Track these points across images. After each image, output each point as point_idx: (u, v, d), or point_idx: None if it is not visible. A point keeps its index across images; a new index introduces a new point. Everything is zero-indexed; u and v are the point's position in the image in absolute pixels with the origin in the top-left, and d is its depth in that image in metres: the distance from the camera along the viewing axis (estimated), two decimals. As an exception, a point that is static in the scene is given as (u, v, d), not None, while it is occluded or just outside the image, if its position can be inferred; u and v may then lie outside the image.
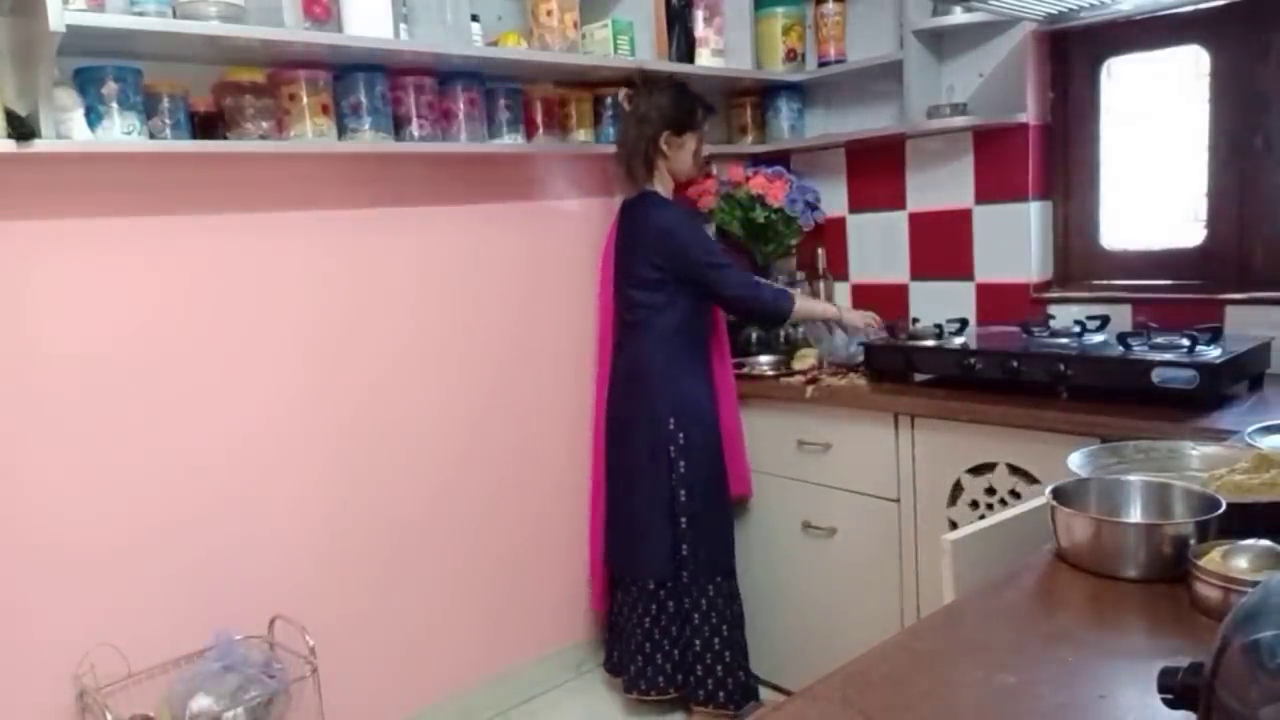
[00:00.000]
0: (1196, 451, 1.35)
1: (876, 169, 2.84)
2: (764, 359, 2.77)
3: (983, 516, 1.88)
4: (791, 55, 2.84)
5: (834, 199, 2.96)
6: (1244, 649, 0.61)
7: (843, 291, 2.97)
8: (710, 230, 3.04)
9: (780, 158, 3.02)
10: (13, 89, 1.70)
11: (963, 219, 2.66)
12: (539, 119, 2.47)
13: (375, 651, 2.35)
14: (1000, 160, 2.55)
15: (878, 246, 2.88)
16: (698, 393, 2.43)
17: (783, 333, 2.90)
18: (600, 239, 2.67)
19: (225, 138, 1.96)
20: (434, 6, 2.16)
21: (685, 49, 2.68)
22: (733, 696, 2.42)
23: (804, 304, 2.48)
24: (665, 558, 2.39)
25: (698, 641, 2.40)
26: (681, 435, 2.38)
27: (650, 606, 2.42)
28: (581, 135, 2.55)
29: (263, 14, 1.90)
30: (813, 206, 2.88)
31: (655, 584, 2.41)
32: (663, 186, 2.43)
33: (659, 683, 2.44)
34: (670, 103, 2.37)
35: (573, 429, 2.72)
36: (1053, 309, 2.47)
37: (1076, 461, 1.34)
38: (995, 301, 2.61)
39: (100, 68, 1.76)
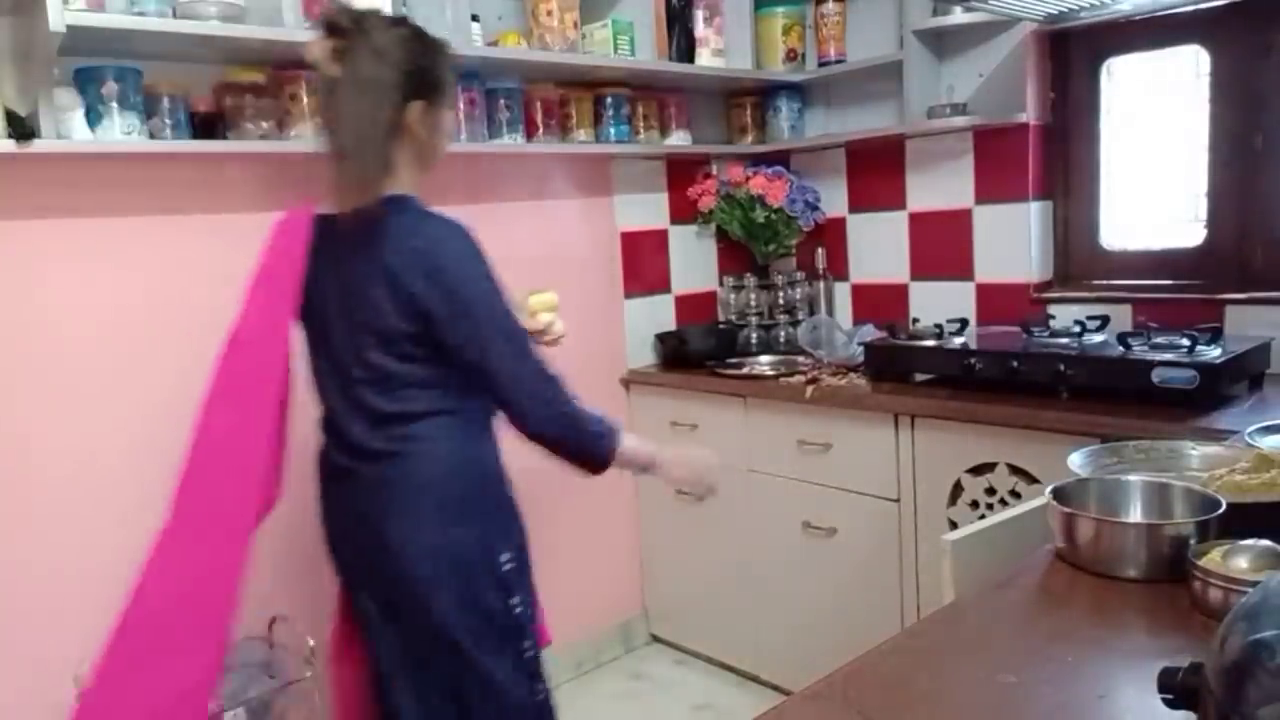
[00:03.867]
0: (1196, 451, 1.35)
1: (876, 169, 2.84)
2: (764, 359, 2.77)
3: (983, 516, 1.88)
4: (791, 55, 2.84)
5: (834, 199, 2.96)
6: (1244, 649, 0.61)
7: (843, 291, 2.98)
8: (710, 231, 3.05)
9: (780, 158, 3.02)
10: (13, 89, 1.70)
11: (963, 219, 2.66)
12: (539, 119, 2.47)
13: (375, 651, 2.35)
14: (1000, 160, 2.55)
15: (878, 246, 2.88)
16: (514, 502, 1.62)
17: (783, 334, 2.91)
18: (601, 238, 2.66)
19: (225, 138, 1.96)
20: (434, 6, 2.16)
21: (685, 49, 2.68)
22: None
23: (629, 449, 1.55)
24: None
25: None
26: (519, 577, 1.57)
27: None
28: (581, 135, 2.55)
29: (263, 14, 1.90)
30: (813, 206, 2.88)
31: None
32: (412, 188, 1.51)
33: None
34: (409, 53, 1.45)
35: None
36: (1053, 309, 2.47)
37: (1076, 461, 1.34)
38: (995, 301, 2.61)
39: (100, 68, 1.76)
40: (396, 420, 1.47)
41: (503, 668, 1.51)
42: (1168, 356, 1.85)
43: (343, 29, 1.43)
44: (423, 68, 1.47)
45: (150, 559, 1.46)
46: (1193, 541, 1.03)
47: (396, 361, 1.45)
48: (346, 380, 1.50)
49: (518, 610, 1.54)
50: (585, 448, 1.51)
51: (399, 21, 1.50)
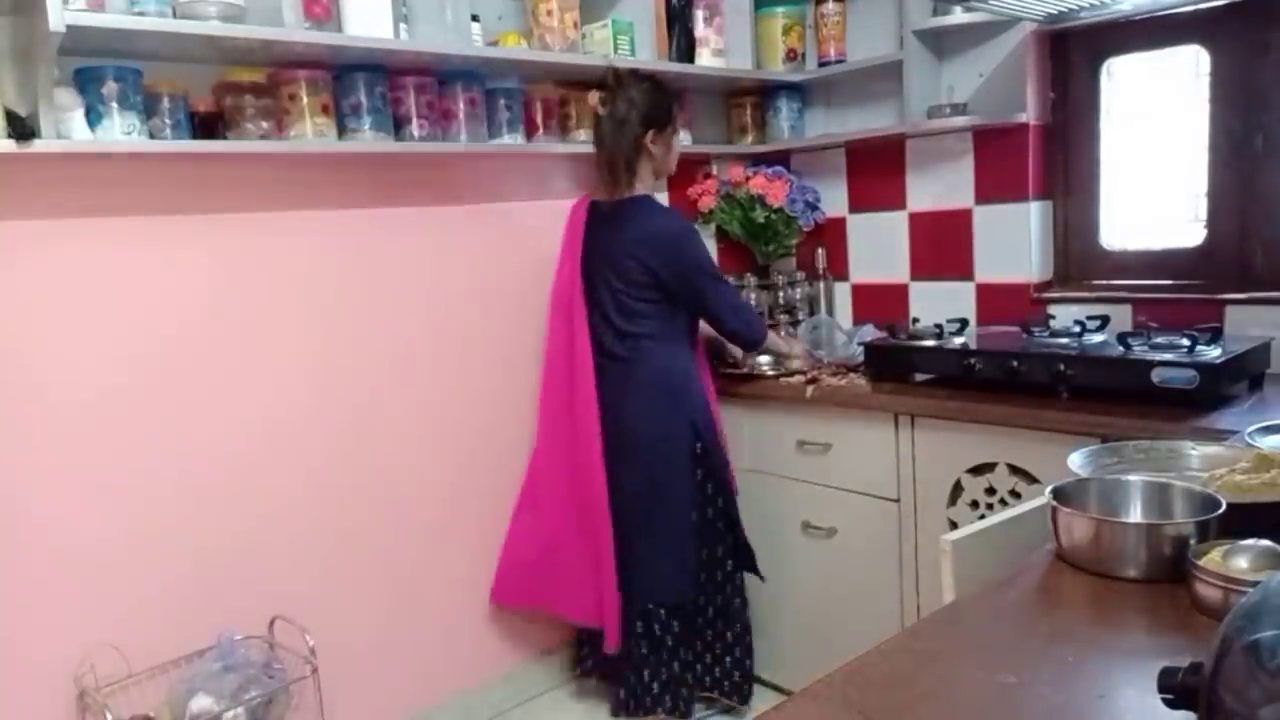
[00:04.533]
0: (1196, 451, 1.35)
1: (876, 169, 2.84)
2: (764, 359, 2.77)
3: (983, 516, 1.88)
4: (791, 55, 2.84)
5: (834, 199, 2.96)
6: (1244, 649, 0.61)
7: (843, 291, 2.98)
8: (710, 231, 3.05)
9: (780, 158, 3.02)
10: (13, 89, 1.70)
11: (963, 219, 2.66)
12: (539, 119, 2.47)
13: (375, 651, 2.35)
14: (1000, 160, 2.55)
15: (878, 246, 2.88)
16: (707, 398, 2.41)
17: (783, 334, 2.91)
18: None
19: (225, 138, 1.96)
20: (434, 6, 2.16)
21: (685, 49, 2.67)
22: (739, 689, 2.44)
23: (772, 337, 2.49)
24: (691, 575, 2.34)
25: (718, 645, 2.41)
26: (699, 445, 2.33)
27: (672, 624, 2.33)
28: (581, 135, 2.55)
29: (263, 14, 1.90)
30: (813, 206, 2.88)
31: (677, 603, 2.34)
32: (650, 189, 2.37)
33: (666, 702, 2.36)
34: (649, 100, 2.29)
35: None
36: (1053, 309, 2.47)
37: (1076, 461, 1.34)
38: (995, 301, 2.61)
39: (100, 68, 1.76)
40: (630, 336, 2.32)
41: (682, 508, 2.33)
42: (1168, 356, 1.85)
43: (608, 85, 2.30)
44: (657, 108, 2.30)
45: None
46: (1193, 541, 1.03)
47: (634, 301, 2.31)
48: (604, 310, 2.35)
49: (699, 473, 2.34)
50: (752, 344, 2.46)
51: (646, 78, 2.32)
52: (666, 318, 2.32)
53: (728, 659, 2.43)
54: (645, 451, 2.32)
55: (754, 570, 2.46)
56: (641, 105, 2.28)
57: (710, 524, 2.36)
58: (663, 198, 2.94)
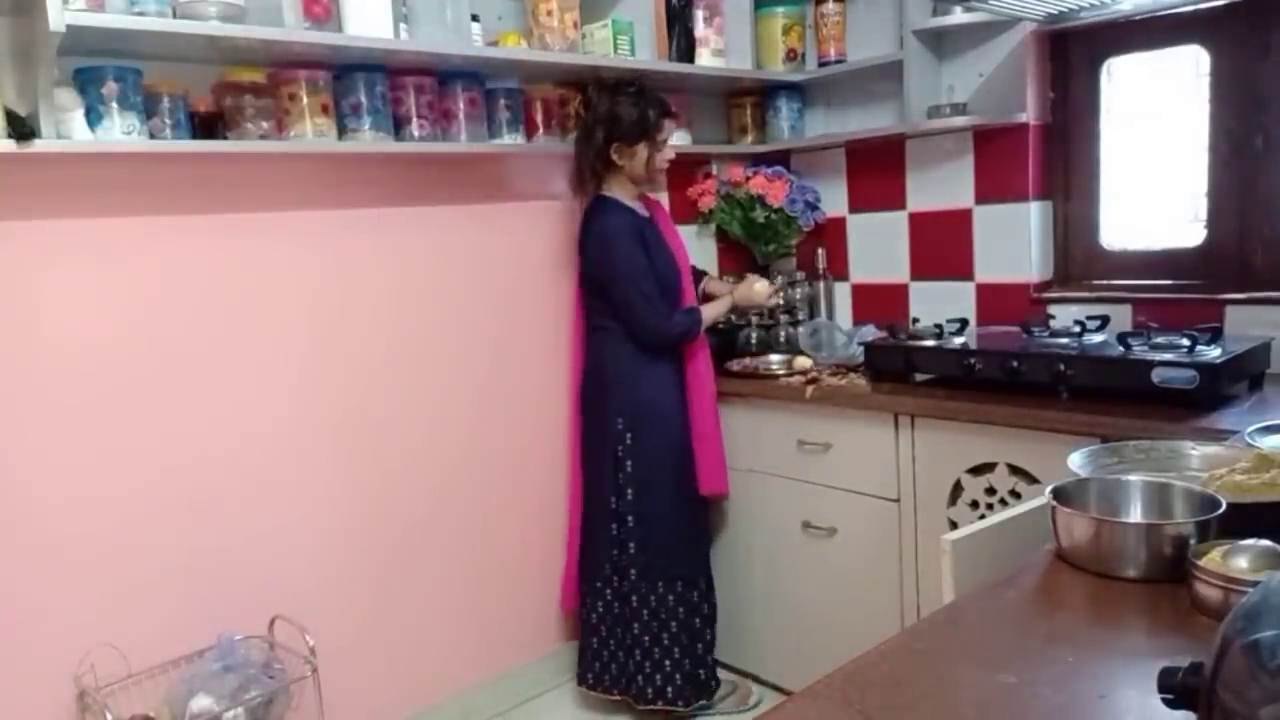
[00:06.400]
0: (1196, 451, 1.35)
1: (876, 169, 2.84)
2: (774, 358, 2.77)
3: (983, 516, 1.88)
4: (791, 55, 2.84)
5: (834, 199, 2.96)
6: (1244, 649, 0.61)
7: (843, 291, 2.98)
8: (710, 230, 3.06)
9: (780, 158, 3.02)
10: (13, 89, 1.70)
11: (963, 219, 2.66)
12: (539, 119, 2.47)
13: (375, 651, 2.35)
14: (1000, 160, 2.55)
15: (878, 246, 2.88)
16: (653, 394, 2.42)
17: (783, 333, 2.91)
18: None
19: (225, 138, 1.96)
20: (434, 6, 2.16)
21: (685, 49, 2.67)
22: (681, 694, 2.41)
23: (708, 315, 2.47)
24: (605, 557, 2.43)
25: (642, 643, 2.40)
26: (629, 435, 2.39)
27: (596, 604, 2.47)
28: (581, 135, 2.55)
29: (263, 14, 1.90)
30: (813, 206, 2.88)
31: (600, 583, 2.46)
32: (621, 191, 2.43)
33: (604, 680, 2.48)
34: (617, 114, 2.33)
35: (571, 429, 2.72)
36: (1053, 309, 2.47)
37: (1076, 461, 1.34)
38: (995, 301, 2.61)
39: (100, 68, 1.76)
40: (591, 330, 2.50)
41: (608, 472, 2.43)
42: (1168, 356, 1.85)
43: (588, 94, 2.42)
44: (625, 122, 2.34)
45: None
46: (1193, 541, 1.03)
47: (589, 297, 2.48)
48: (582, 303, 2.54)
49: (619, 449, 2.41)
50: (672, 346, 2.45)
51: (627, 91, 2.36)
52: (611, 313, 2.41)
53: (647, 663, 2.41)
54: (584, 435, 2.53)
55: (658, 582, 2.40)
56: (607, 119, 2.34)
57: (621, 517, 2.41)
58: (662, 199, 2.95)
